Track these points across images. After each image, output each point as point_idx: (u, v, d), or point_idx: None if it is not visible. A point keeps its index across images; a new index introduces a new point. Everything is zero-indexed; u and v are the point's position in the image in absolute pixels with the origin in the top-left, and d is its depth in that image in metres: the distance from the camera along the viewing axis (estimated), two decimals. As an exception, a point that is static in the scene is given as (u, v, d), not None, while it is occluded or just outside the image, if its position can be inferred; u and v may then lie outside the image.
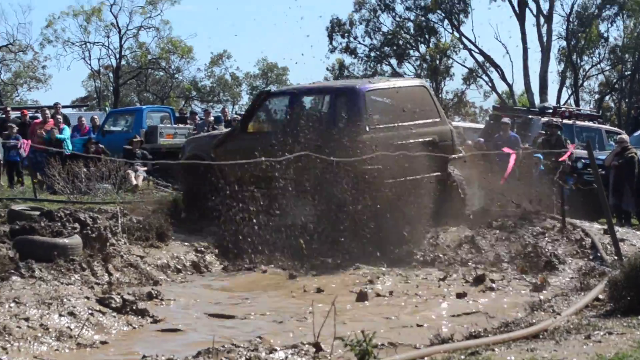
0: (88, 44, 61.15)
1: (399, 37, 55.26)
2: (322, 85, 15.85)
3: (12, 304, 8.48)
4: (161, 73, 65.25)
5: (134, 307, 9.49)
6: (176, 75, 64.01)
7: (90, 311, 9.01)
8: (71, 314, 8.75)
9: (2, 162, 22.19)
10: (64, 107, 31.03)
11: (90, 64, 62.89)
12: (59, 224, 11.54)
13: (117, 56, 61.03)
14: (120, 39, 60.32)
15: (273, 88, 17.63)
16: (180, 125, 26.49)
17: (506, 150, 18.03)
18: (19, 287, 9.13)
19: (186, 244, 13.79)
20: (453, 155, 15.15)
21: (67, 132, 23.18)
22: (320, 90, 15.81)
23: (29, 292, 9.00)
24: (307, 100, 15.65)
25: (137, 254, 12.54)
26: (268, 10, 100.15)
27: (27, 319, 8.25)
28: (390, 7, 54.57)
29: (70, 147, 22.73)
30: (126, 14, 59.63)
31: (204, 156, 15.50)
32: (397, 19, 55.12)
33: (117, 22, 59.61)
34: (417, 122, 14.54)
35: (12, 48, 63.51)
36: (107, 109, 38.47)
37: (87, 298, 9.41)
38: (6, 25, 74.44)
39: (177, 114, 29.68)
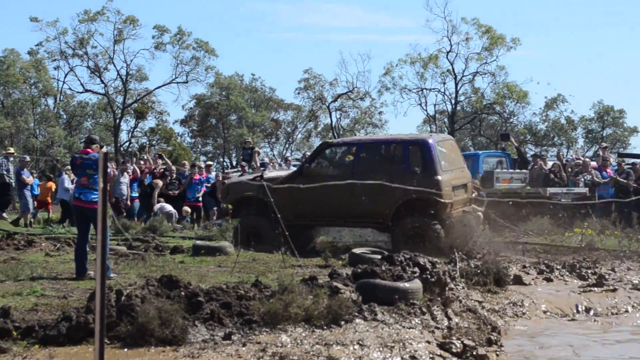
0: (424, 90, 62.42)
1: None
2: (389, 137, 20.53)
3: (356, 346, 8.64)
4: (495, 117, 65.24)
5: (474, 353, 9.41)
6: (511, 120, 63.74)
7: (431, 355, 9.02)
8: (413, 357, 8.79)
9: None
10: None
11: (426, 110, 64.13)
12: (399, 267, 11.70)
13: (453, 102, 61.77)
14: (456, 84, 61.06)
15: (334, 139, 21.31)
16: (517, 170, 26.24)
17: None
18: (362, 330, 9.30)
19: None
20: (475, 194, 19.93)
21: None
22: (389, 141, 19.40)
23: (372, 335, 9.14)
24: (372, 149, 18.95)
25: (475, 298, 12.47)
26: (606, 52, 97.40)
27: (370, 361, 8.40)
28: None
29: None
30: (462, 60, 60.34)
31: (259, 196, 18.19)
32: None
33: (453, 69, 60.46)
34: (457, 167, 18.69)
35: (351, 95, 66.12)
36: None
37: (428, 342, 9.43)
38: (347, 74, 77.75)
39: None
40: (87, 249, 13.66)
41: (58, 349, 8.21)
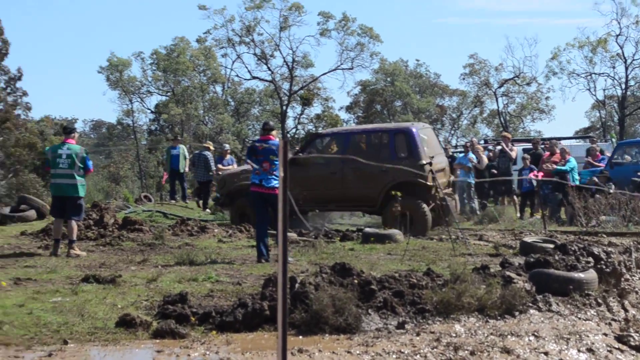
0: (593, 74, 60.93)
1: None
2: (375, 126, 22.11)
3: (531, 338, 8.51)
4: (668, 103, 63.14)
5: (657, 346, 9.14)
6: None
7: (608, 348, 8.79)
8: (589, 350, 8.59)
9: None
10: (566, 138, 31.10)
11: (594, 95, 62.60)
12: (573, 257, 11.45)
13: (623, 86, 60.02)
14: (626, 69, 59.32)
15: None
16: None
17: None
18: (537, 321, 9.14)
19: None
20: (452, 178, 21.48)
21: (573, 162, 23.14)
22: (375, 130, 20.95)
23: (547, 326, 8.97)
24: (360, 139, 20.39)
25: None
26: None
27: (546, 353, 8.23)
28: None
29: (576, 178, 22.71)
30: (632, 43, 58.75)
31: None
32: None
33: (622, 53, 58.84)
34: (436, 153, 20.01)
35: (517, 80, 65.18)
36: (612, 140, 37.78)
37: (605, 334, 9.19)
38: (513, 58, 77.10)
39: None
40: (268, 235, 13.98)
41: (235, 335, 8.38)
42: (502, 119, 66.76)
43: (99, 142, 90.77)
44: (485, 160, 25.11)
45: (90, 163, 15.27)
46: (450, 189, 20.80)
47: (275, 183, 13.72)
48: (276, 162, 13.63)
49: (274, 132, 14.35)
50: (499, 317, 9.12)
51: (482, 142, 34.75)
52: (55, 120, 77.97)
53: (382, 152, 19.18)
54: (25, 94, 56.86)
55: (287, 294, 8.95)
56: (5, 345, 7.75)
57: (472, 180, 24.03)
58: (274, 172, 13.76)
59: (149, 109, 69.08)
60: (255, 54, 66.68)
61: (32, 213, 21.54)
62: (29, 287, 10.76)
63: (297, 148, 22.59)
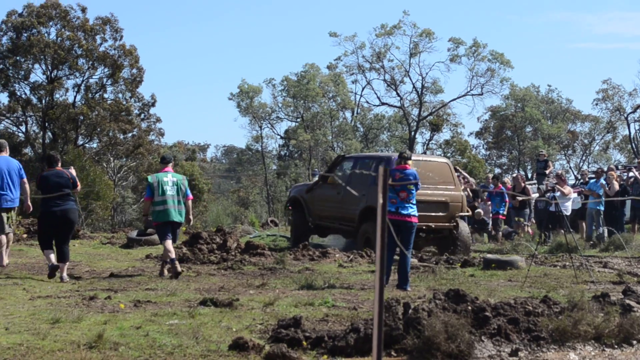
0: None
1: None
2: (372, 154, 23.86)
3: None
4: None
5: None
6: None
7: None
8: None
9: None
10: None
11: None
12: None
13: None
14: None
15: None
16: None
17: None
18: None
19: None
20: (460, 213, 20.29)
21: None
22: (371, 157, 22.29)
23: (667, 357, 8.70)
24: (363, 163, 21.00)
25: None
26: None
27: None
28: None
29: None
30: None
31: (299, 197, 22.90)
32: None
33: None
34: (435, 186, 19.73)
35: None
36: None
37: None
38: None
39: None
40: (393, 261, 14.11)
41: (346, 360, 8.36)
42: (633, 145, 65.20)
43: (230, 167, 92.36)
44: (616, 187, 24.50)
45: (189, 191, 15.72)
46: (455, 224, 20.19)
47: (411, 211, 13.92)
48: (413, 191, 13.91)
49: (410, 162, 14.40)
50: (616, 346, 8.86)
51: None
52: (188, 145, 79.84)
53: (369, 178, 19.42)
54: (158, 120, 58.58)
55: (400, 320, 8.93)
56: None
57: (602, 207, 23.55)
58: (411, 201, 13.95)
59: (278, 135, 70.07)
60: (385, 80, 66.99)
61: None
62: (147, 309, 10.96)
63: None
